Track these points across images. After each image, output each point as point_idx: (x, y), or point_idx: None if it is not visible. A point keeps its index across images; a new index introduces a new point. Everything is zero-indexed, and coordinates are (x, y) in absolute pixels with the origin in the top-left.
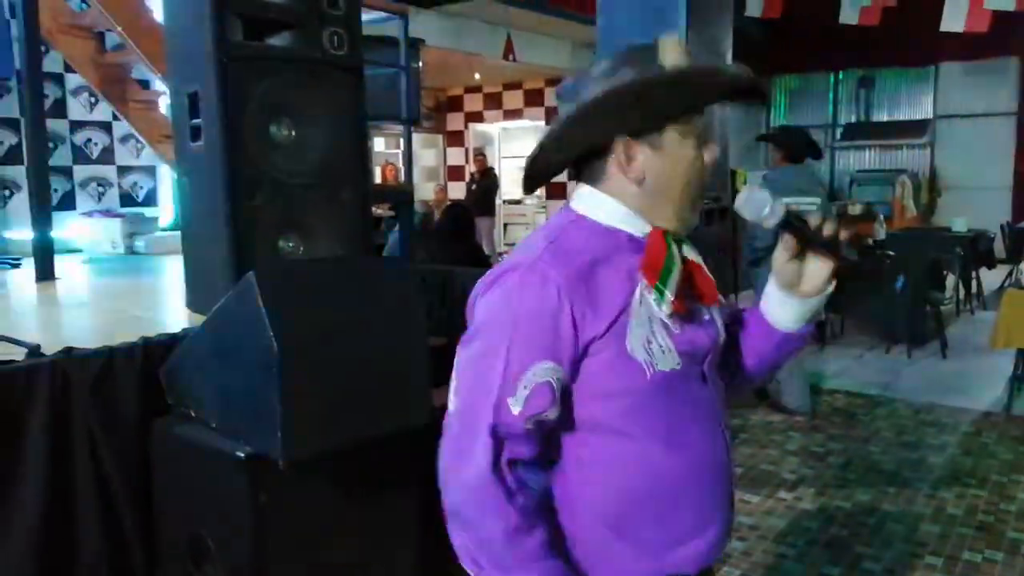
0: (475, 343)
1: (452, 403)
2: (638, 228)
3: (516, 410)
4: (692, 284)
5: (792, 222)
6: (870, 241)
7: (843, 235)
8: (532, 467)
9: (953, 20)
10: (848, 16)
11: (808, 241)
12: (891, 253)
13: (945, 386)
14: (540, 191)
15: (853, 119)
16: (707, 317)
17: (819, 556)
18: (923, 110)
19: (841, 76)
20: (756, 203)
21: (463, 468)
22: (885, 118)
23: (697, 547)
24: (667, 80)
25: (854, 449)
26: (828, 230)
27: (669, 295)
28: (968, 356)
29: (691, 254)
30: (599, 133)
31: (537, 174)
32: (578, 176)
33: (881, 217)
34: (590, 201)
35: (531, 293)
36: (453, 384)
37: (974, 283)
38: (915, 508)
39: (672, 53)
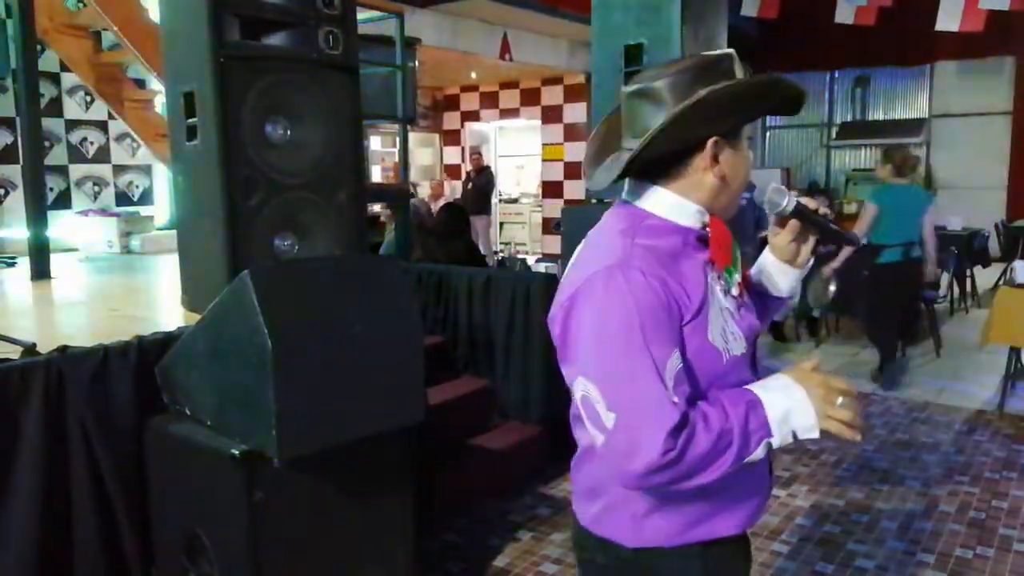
0: (608, 351)
1: (608, 418)
2: (699, 223)
3: (677, 401)
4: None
5: (801, 210)
6: (864, 241)
7: (827, 213)
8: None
9: (949, 19)
10: (844, 16)
11: (810, 223)
12: None
13: (939, 384)
14: (536, 190)
15: (849, 118)
16: (747, 299)
17: (812, 554)
18: (919, 109)
19: (837, 75)
20: (777, 194)
21: (666, 457)
22: (881, 117)
23: (743, 512)
24: (757, 86)
25: (848, 447)
26: (821, 211)
27: (738, 276)
28: (962, 354)
29: None
30: (701, 131)
31: (634, 166)
32: (645, 175)
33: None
34: (662, 200)
35: (641, 290)
36: (599, 400)
37: (968, 281)
38: (908, 505)
39: (739, 66)
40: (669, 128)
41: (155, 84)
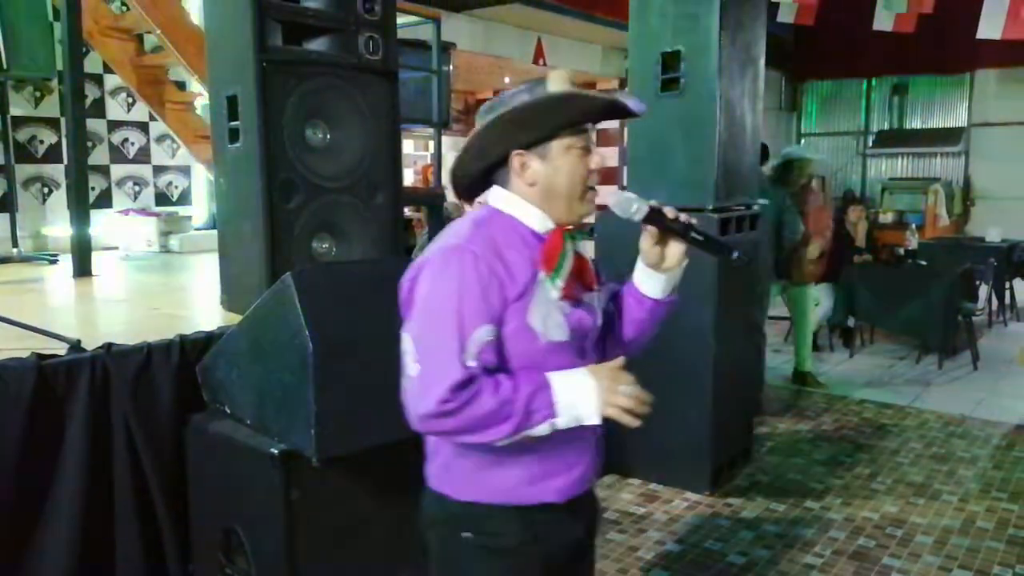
0: (428, 314)
1: (413, 368)
2: (539, 223)
3: (471, 364)
4: (580, 274)
5: (654, 217)
6: (901, 251)
7: (693, 221)
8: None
9: (990, 27)
10: (882, 23)
11: (666, 229)
12: (923, 263)
13: (976, 398)
14: None
15: (886, 126)
16: (592, 304)
17: (845, 567)
18: (958, 118)
19: (874, 82)
20: (624, 202)
21: (446, 406)
22: (918, 125)
23: (563, 481)
24: (544, 103)
25: (882, 460)
26: (683, 219)
27: (560, 283)
28: (1000, 368)
29: (578, 248)
30: (498, 148)
31: (461, 181)
32: (494, 180)
33: (913, 226)
34: (502, 199)
35: (468, 268)
36: (411, 352)
37: (1007, 294)
38: (944, 520)
39: (556, 83)
40: (475, 143)
41: (195, 86)
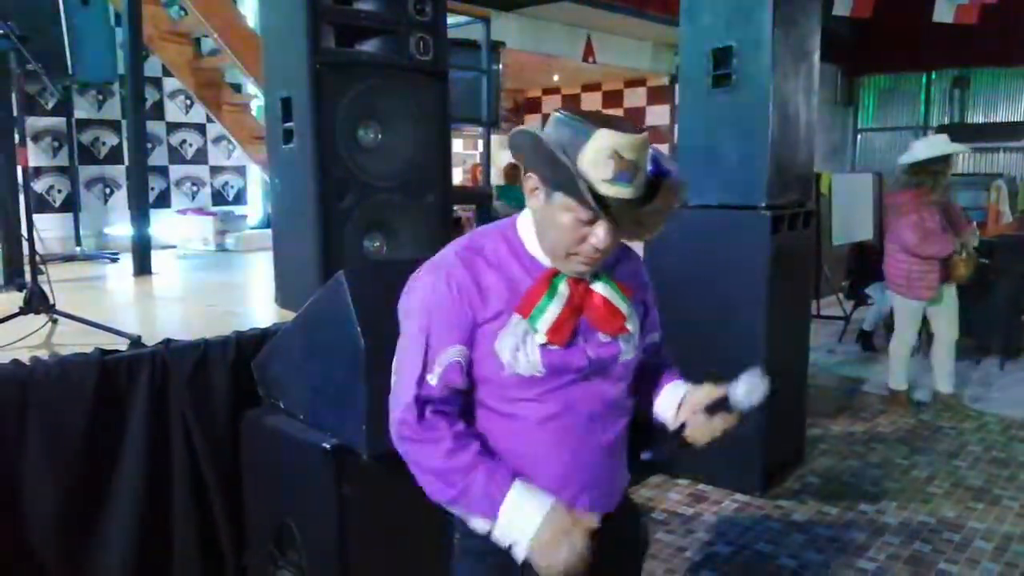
0: (405, 331)
1: (392, 380)
2: (543, 255)
3: (433, 382)
4: (597, 319)
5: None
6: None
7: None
8: (454, 414)
9: None
10: (943, 14)
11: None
12: (985, 261)
13: None
14: None
15: (946, 120)
16: (604, 340)
17: (900, 572)
18: (1022, 111)
19: (934, 76)
20: (757, 391)
21: (403, 428)
22: (980, 119)
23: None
24: (552, 162)
25: (940, 463)
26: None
27: (543, 327)
28: None
29: (602, 287)
30: (521, 156)
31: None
32: None
33: (975, 223)
34: (524, 217)
35: (440, 287)
36: (394, 363)
37: None
38: (1004, 527)
39: (591, 153)
40: (510, 138)
41: (251, 88)
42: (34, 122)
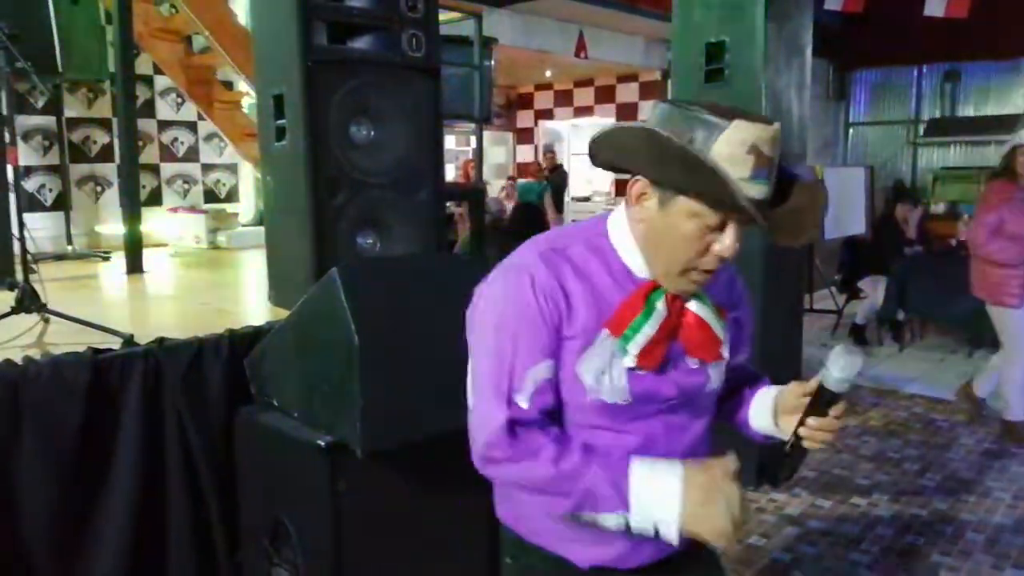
0: (480, 344)
1: (470, 402)
2: (638, 265)
3: (525, 405)
4: (693, 344)
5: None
6: (953, 242)
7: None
8: (547, 424)
9: None
10: (934, 8)
11: (820, 409)
12: None
13: None
14: (609, 188)
15: (937, 114)
16: (693, 366)
17: (893, 564)
18: (1013, 104)
19: (925, 70)
20: (854, 366)
21: (494, 451)
22: (972, 113)
23: (597, 552)
24: (693, 160)
25: (932, 456)
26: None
27: (633, 351)
28: None
29: (698, 307)
30: (630, 159)
31: (594, 155)
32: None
33: (966, 216)
34: (616, 220)
35: (525, 294)
36: (469, 384)
37: None
38: (996, 518)
39: (727, 145)
40: (607, 137)
41: (243, 86)
42: (24, 121)
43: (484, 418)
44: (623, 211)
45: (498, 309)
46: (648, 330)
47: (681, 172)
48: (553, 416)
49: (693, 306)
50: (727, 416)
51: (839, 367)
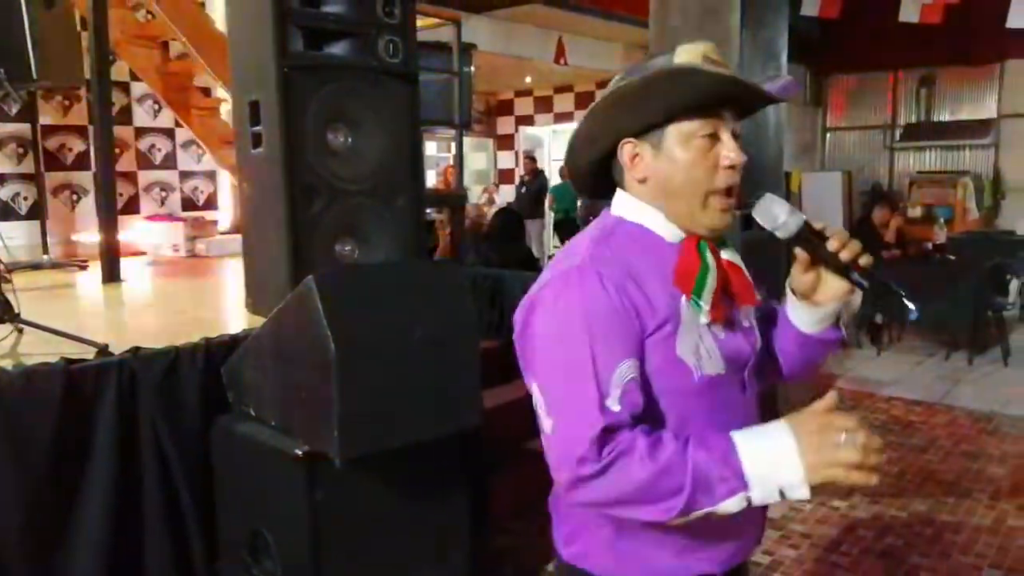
0: (553, 357)
1: (547, 423)
2: (667, 231)
3: (616, 408)
4: (729, 288)
5: (808, 238)
6: (930, 245)
7: (863, 261)
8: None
9: (1021, 16)
10: (909, 14)
11: (819, 260)
12: (951, 257)
13: (1007, 395)
14: None
15: (913, 119)
16: (746, 324)
17: (873, 566)
18: (987, 109)
19: (901, 75)
20: (767, 209)
21: (583, 468)
22: (947, 118)
23: (728, 549)
24: (656, 79)
25: (911, 458)
26: (846, 255)
27: (705, 305)
28: None
29: (729, 255)
30: (607, 134)
31: (574, 173)
32: (614, 178)
33: (941, 220)
34: (624, 203)
35: (596, 292)
36: (541, 404)
37: None
38: (974, 519)
39: (684, 55)
40: (576, 139)
41: (220, 92)
42: None
43: (571, 437)
44: (622, 194)
45: (569, 316)
46: (711, 281)
47: (656, 95)
48: (641, 419)
49: (726, 254)
50: (788, 355)
51: (781, 213)
